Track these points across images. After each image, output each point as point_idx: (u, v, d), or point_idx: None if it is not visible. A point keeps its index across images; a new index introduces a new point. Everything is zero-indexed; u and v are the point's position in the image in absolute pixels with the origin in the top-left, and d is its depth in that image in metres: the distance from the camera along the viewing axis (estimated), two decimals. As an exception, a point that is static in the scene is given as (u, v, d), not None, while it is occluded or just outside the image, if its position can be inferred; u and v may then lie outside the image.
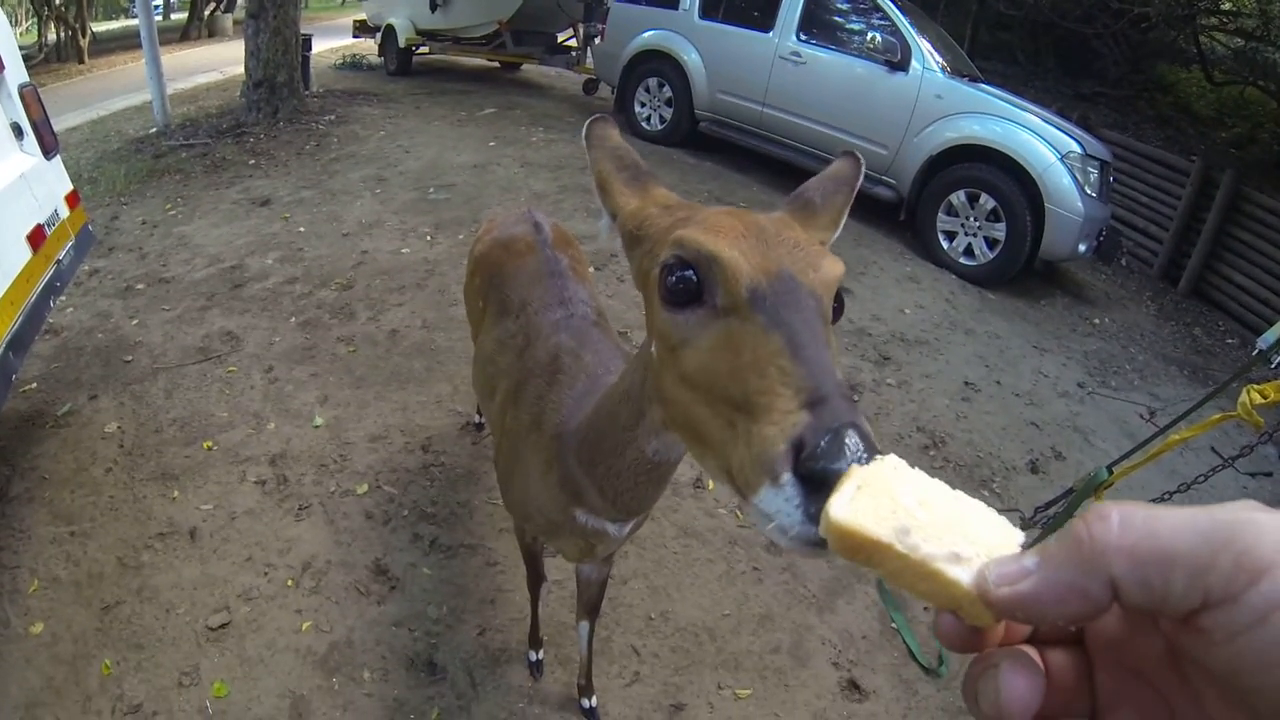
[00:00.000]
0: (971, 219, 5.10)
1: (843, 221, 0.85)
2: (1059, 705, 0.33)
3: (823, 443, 0.48)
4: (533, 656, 2.11)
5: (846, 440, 0.48)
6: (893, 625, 2.40)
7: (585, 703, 2.01)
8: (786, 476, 0.49)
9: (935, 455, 3.19)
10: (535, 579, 1.91)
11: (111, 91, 9.84)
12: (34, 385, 3.03)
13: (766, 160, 6.33)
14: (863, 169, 0.90)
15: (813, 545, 0.47)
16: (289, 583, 2.26)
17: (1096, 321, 5.23)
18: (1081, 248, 4.94)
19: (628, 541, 1.99)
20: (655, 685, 2.11)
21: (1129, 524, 0.28)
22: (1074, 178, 4.81)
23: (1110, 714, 0.33)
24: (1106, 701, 0.33)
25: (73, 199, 2.68)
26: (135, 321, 3.49)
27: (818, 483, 0.47)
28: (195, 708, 1.92)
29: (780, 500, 0.49)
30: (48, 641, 2.05)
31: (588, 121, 0.93)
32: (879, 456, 0.45)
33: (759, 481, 0.51)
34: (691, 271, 0.64)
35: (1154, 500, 2.11)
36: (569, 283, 1.67)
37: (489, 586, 2.32)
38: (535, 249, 1.81)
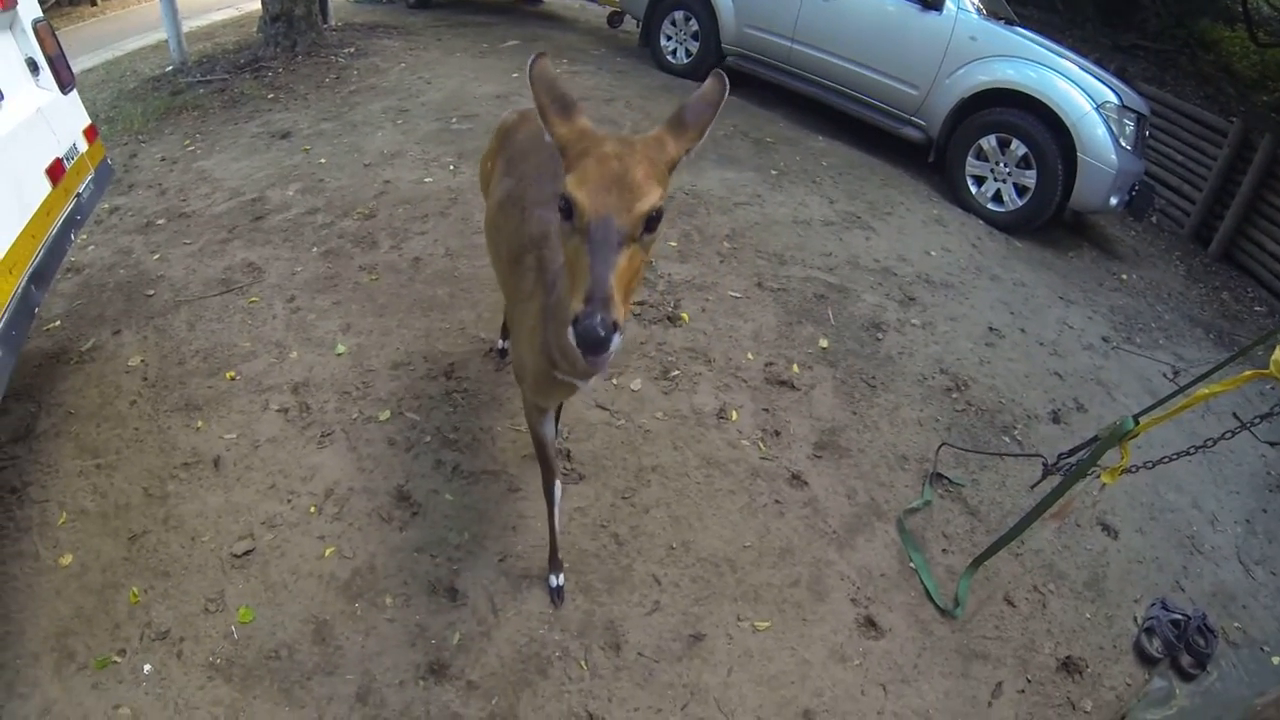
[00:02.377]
0: (1001, 165, 4.96)
1: (707, 132, 1.21)
2: None
3: (584, 319, 1.02)
4: (553, 581, 2.13)
5: (589, 319, 1.01)
6: (911, 565, 2.41)
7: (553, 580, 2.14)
8: (569, 329, 1.05)
9: (958, 399, 3.16)
10: (548, 475, 1.97)
11: (126, 32, 9.73)
12: (57, 323, 3.03)
13: (794, 96, 6.17)
14: (726, 89, 1.24)
15: (578, 355, 1.06)
16: (312, 510, 2.27)
17: (1124, 277, 5.13)
18: (1113, 201, 4.81)
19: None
20: (675, 615, 2.13)
21: None
22: (1109, 129, 4.66)
23: None
24: None
25: (91, 133, 2.66)
26: (156, 256, 3.47)
27: (578, 334, 1.03)
28: (221, 633, 1.96)
29: (571, 336, 1.04)
30: (77, 572, 2.08)
31: (530, 60, 1.25)
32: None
33: (566, 328, 1.07)
34: (565, 200, 1.10)
35: (1172, 458, 2.11)
36: None
37: (511, 512, 2.33)
38: None
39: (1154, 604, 2.51)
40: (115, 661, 1.89)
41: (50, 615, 1.97)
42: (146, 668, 1.88)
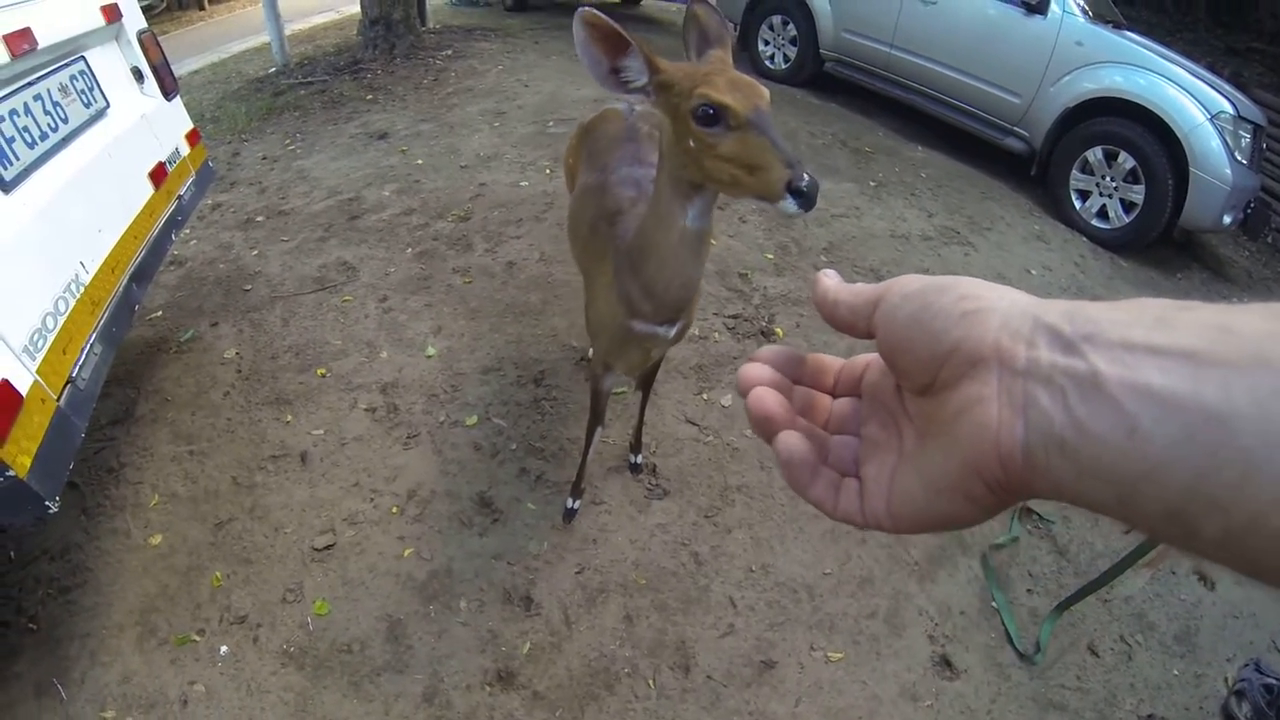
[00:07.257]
0: (1108, 179, 4.71)
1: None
2: (838, 426, 0.48)
3: (801, 179, 1.11)
4: (570, 504, 2.32)
5: (805, 178, 1.10)
6: (993, 604, 2.30)
7: (632, 458, 2.48)
8: (787, 194, 1.12)
9: (1053, 427, 3.00)
10: (595, 420, 2.12)
11: (231, 35, 10.18)
12: (159, 313, 3.16)
13: (894, 104, 6.02)
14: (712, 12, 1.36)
15: (799, 212, 1.13)
16: (394, 509, 2.32)
17: (1235, 302, 4.78)
18: (1226, 219, 4.48)
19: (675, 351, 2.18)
20: (749, 640, 2.09)
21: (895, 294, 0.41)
22: (1224, 141, 4.35)
23: (865, 426, 0.46)
24: (864, 420, 0.47)
25: (193, 137, 2.75)
26: (255, 252, 3.60)
27: (797, 194, 1.11)
28: (297, 623, 2.02)
29: (790, 203, 1.12)
30: (164, 553, 2.18)
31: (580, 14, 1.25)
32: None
33: (780, 196, 1.13)
34: (711, 109, 1.17)
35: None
36: (642, 147, 1.95)
37: (592, 525, 2.33)
38: (622, 117, 2.11)
39: (1247, 664, 2.32)
40: (194, 640, 1.97)
41: (137, 591, 2.08)
42: (223, 649, 1.96)
